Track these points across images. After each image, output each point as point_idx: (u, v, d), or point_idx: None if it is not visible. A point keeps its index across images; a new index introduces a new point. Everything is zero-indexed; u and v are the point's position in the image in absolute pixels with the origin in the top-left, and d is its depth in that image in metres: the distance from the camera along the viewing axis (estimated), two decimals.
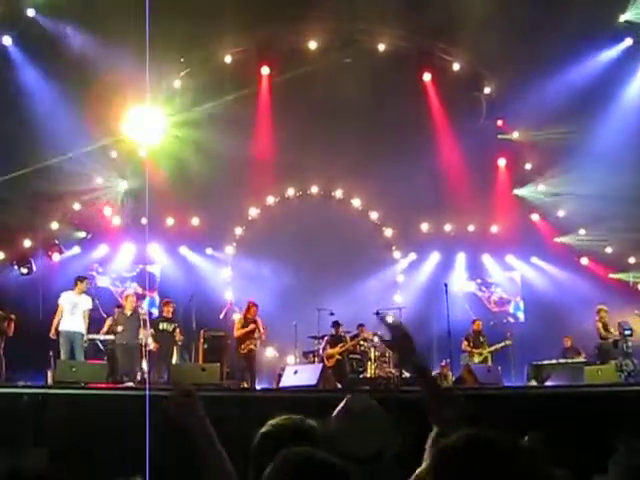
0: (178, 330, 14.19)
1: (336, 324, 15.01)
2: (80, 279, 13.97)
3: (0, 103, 14.59)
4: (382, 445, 2.91)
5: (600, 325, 14.53)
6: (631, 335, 13.98)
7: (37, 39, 14.93)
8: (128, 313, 13.86)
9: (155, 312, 17.71)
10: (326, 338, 15.01)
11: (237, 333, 14.03)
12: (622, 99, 16.60)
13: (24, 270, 15.89)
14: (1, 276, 15.52)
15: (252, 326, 13.93)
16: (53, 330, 13.18)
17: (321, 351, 14.94)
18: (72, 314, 13.37)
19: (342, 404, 3.09)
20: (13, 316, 13.45)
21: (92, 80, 15.32)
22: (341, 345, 14.71)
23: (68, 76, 15.07)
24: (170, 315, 14.33)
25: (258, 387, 13.76)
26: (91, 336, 14.12)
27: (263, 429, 2.79)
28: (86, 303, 13.71)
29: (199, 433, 2.83)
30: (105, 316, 14.39)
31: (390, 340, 3.10)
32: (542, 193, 18.59)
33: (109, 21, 14.84)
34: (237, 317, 14.68)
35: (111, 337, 13.93)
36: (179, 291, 16.39)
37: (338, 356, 14.60)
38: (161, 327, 14.11)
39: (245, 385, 13.68)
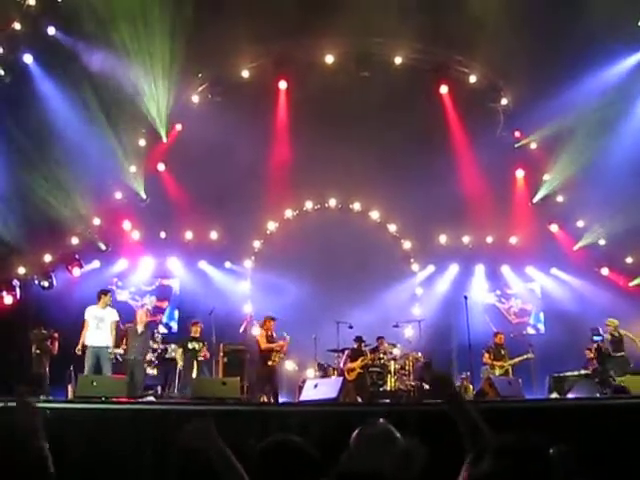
0: (205, 348, 14.31)
1: (359, 339, 14.96)
2: (104, 292, 13.89)
3: (21, 119, 14.79)
4: (399, 467, 2.98)
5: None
6: (602, 341, 13.98)
7: (57, 57, 15.11)
8: (140, 329, 13.87)
9: (174, 326, 17.83)
10: (346, 352, 14.97)
11: (265, 346, 14.05)
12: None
13: (45, 284, 16.04)
14: (23, 290, 15.64)
15: (281, 342, 14.03)
16: (80, 345, 13.08)
17: (341, 365, 14.89)
18: (98, 328, 13.28)
19: (357, 430, 3.19)
20: (57, 334, 13.48)
21: (111, 96, 15.53)
22: (362, 359, 14.66)
23: (88, 93, 15.23)
24: (198, 335, 14.41)
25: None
26: (111, 350, 14.19)
27: (261, 446, 2.85)
28: (112, 316, 13.63)
29: (216, 457, 2.89)
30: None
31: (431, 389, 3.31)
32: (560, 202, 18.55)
33: (128, 38, 15.06)
34: (260, 332, 14.63)
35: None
36: (199, 305, 16.46)
37: (359, 370, 14.55)
38: (190, 346, 14.20)
39: (264, 399, 13.67)
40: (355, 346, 14.96)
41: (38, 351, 13.34)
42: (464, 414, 3.26)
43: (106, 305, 13.66)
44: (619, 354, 14.55)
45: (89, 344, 13.10)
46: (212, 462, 2.92)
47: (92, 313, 13.42)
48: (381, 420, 3.25)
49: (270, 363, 13.98)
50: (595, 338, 14.08)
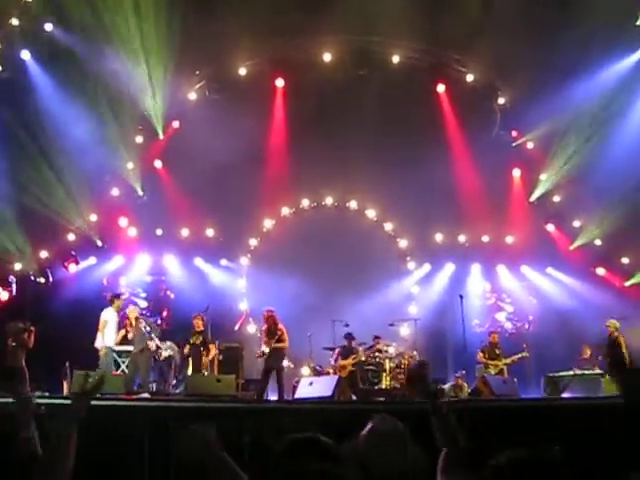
0: (211, 345, 14.27)
1: (349, 336, 14.93)
2: (116, 296, 14.44)
3: (18, 115, 14.78)
4: (407, 465, 2.95)
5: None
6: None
7: (55, 53, 15.10)
8: (134, 323, 14.02)
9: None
10: (337, 350, 14.94)
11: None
12: (637, 108, 16.55)
13: (42, 280, 16.03)
14: (19, 285, 15.62)
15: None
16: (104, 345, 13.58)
17: (332, 362, 14.88)
18: (114, 332, 13.89)
19: (369, 423, 3.14)
20: (33, 328, 13.46)
21: (109, 92, 15.53)
22: (353, 357, 14.63)
23: (85, 88, 15.24)
24: (200, 328, 14.31)
25: (273, 398, 13.66)
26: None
27: (281, 445, 2.80)
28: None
29: (215, 465, 2.88)
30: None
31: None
32: (556, 202, 18.63)
33: (125, 34, 15.05)
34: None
35: (126, 348, 14.16)
36: (194, 302, 16.39)
37: (351, 367, 14.53)
38: (192, 341, 14.16)
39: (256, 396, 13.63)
40: (345, 343, 14.93)
41: (14, 344, 13.30)
42: (440, 415, 3.32)
43: (118, 309, 14.13)
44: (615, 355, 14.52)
45: (109, 345, 13.64)
46: (210, 471, 2.91)
47: (113, 316, 13.94)
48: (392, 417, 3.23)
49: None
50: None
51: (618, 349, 14.20)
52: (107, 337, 13.67)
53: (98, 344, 13.67)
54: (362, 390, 14.36)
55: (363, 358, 14.80)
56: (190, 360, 14.19)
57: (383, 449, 2.97)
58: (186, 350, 14.14)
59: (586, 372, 14.68)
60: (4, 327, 13.49)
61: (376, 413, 3.23)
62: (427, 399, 3.39)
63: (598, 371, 14.59)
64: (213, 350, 14.29)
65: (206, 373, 13.90)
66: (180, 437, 3.02)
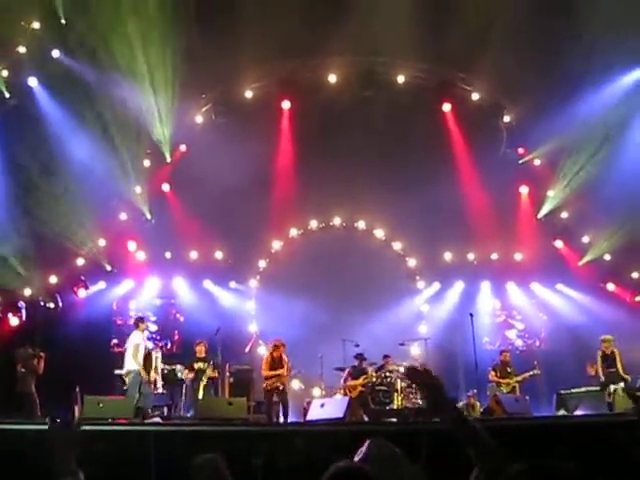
0: (212, 368, 14.18)
1: (360, 357, 14.89)
2: (141, 319, 14.31)
3: (27, 141, 14.89)
4: None
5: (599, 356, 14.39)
6: None
7: (62, 79, 15.23)
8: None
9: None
10: (347, 370, 14.88)
11: (265, 373, 13.90)
12: None
13: (51, 305, 16.06)
14: (29, 311, 15.66)
15: (280, 371, 13.77)
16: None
17: (342, 382, 14.81)
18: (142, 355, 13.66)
19: (363, 448, 3.11)
20: (43, 354, 13.47)
21: (116, 117, 15.64)
22: (364, 377, 14.57)
23: (93, 114, 15.35)
24: (203, 354, 14.32)
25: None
26: (117, 372, 14.20)
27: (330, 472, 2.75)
28: None
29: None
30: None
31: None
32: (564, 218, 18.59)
33: (132, 59, 15.17)
34: (265, 355, 14.50)
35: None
36: (204, 325, 16.40)
37: (361, 388, 14.46)
38: (196, 367, 14.13)
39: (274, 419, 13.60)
40: (356, 364, 14.88)
41: (23, 370, 13.30)
42: (463, 426, 3.04)
43: (143, 331, 14.09)
44: (612, 370, 14.39)
45: (137, 369, 13.33)
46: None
47: (141, 339, 13.75)
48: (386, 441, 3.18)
49: (266, 387, 13.83)
50: None
51: (614, 363, 14.15)
52: (139, 360, 13.45)
53: (130, 367, 13.35)
54: (374, 411, 14.26)
55: (375, 379, 14.71)
56: (200, 384, 14.17)
57: (379, 474, 2.93)
58: (191, 376, 14.12)
59: (591, 388, 14.55)
60: (14, 353, 13.55)
61: (369, 437, 3.18)
62: (448, 413, 3.10)
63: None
64: (210, 372, 14.19)
65: (200, 396, 13.86)
66: (193, 465, 3.02)
